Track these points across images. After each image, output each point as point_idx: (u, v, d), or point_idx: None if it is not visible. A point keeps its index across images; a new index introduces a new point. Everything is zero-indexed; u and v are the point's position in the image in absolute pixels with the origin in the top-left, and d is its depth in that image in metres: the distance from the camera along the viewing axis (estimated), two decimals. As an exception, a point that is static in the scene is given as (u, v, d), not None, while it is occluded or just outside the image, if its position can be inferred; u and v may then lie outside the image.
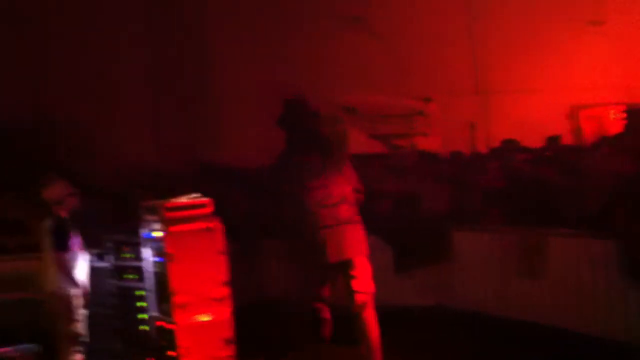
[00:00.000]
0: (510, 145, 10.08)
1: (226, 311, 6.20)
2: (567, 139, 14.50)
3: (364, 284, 5.78)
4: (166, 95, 12.19)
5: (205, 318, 6.09)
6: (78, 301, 5.93)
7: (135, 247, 6.34)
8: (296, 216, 5.72)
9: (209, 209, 6.22)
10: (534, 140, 11.12)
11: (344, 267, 5.76)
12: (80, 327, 5.95)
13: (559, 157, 8.56)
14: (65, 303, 5.86)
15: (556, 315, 6.79)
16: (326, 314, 5.80)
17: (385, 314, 7.32)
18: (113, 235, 6.60)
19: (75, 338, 5.88)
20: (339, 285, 5.86)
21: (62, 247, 5.89)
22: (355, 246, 5.73)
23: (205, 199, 6.25)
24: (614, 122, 15.03)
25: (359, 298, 5.76)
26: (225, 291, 6.22)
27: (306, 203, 5.67)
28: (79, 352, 5.91)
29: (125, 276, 6.51)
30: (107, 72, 11.75)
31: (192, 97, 12.32)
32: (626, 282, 6.07)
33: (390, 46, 13.39)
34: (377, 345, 5.76)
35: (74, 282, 5.89)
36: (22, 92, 11.12)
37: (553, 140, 10.21)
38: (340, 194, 5.67)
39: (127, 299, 6.48)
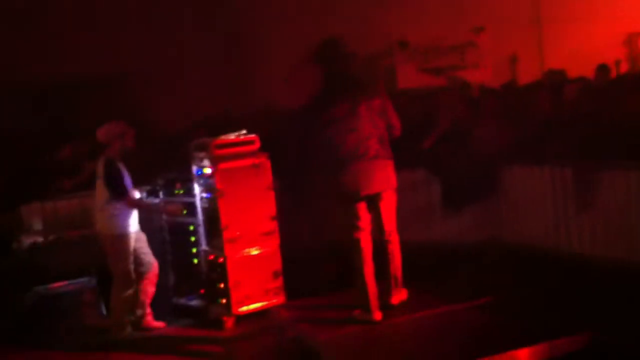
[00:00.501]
0: (555, 77, 9.73)
1: (274, 244, 6.38)
2: (624, 67, 14.16)
3: (390, 217, 6.04)
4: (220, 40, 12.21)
5: (254, 251, 6.28)
6: (132, 241, 6.11)
7: (186, 183, 6.50)
8: (328, 152, 5.89)
9: (256, 146, 6.34)
10: (589, 70, 10.87)
11: (374, 200, 5.95)
12: (133, 265, 6.13)
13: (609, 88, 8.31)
14: (116, 244, 6.04)
15: (608, 247, 6.76)
16: (366, 243, 5.94)
17: (439, 249, 7.54)
18: (166, 173, 6.74)
19: (126, 276, 6.08)
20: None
21: (119, 195, 6.00)
22: (384, 180, 5.91)
23: (252, 136, 6.36)
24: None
25: (387, 229, 6.01)
26: (273, 225, 6.37)
27: (335, 138, 5.82)
28: (130, 287, 6.12)
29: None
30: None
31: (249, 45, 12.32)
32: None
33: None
34: (400, 275, 6.08)
35: (128, 224, 6.06)
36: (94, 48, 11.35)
37: (603, 69, 9.84)
38: (369, 129, 5.82)
39: (178, 234, 6.67)
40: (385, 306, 5.97)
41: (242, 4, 12.29)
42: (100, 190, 6.07)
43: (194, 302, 6.63)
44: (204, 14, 12.05)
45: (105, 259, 6.11)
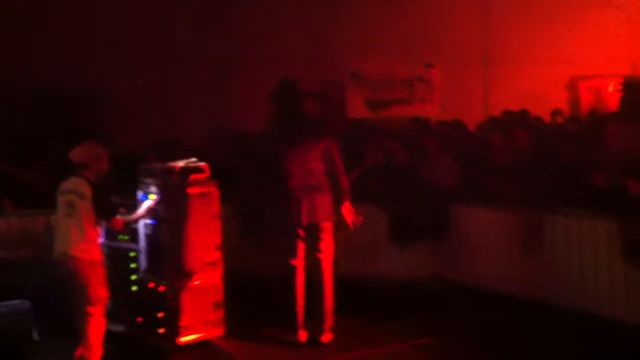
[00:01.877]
0: (509, 118, 9.92)
1: (217, 275, 6.25)
2: (565, 111, 14.54)
3: (328, 247, 6.38)
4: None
5: (196, 281, 6.14)
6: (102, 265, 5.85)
7: (131, 208, 6.32)
8: (277, 181, 6.35)
9: (205, 174, 6.23)
10: (534, 110, 11.11)
11: (314, 230, 6.33)
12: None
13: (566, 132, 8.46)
14: (98, 269, 5.76)
15: (555, 292, 6.85)
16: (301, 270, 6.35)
17: (385, 284, 7.54)
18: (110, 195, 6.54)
19: (105, 301, 5.80)
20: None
21: (110, 218, 5.78)
22: (325, 212, 6.33)
23: (202, 164, 6.26)
24: (612, 94, 15.02)
25: (324, 260, 6.34)
26: (218, 255, 6.26)
27: (285, 171, 6.29)
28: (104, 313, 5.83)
29: (119, 237, 6.49)
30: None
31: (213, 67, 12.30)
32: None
33: (400, 11, 13.26)
34: (331, 307, 6.33)
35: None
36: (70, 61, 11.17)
37: (556, 114, 10.08)
38: (314, 166, 6.27)
39: (119, 260, 6.48)
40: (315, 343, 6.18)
41: (206, 30, 12.31)
42: (82, 213, 5.68)
43: (132, 331, 6.44)
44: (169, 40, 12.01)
45: (66, 283, 5.72)
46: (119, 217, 5.86)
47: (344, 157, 6.46)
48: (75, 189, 5.70)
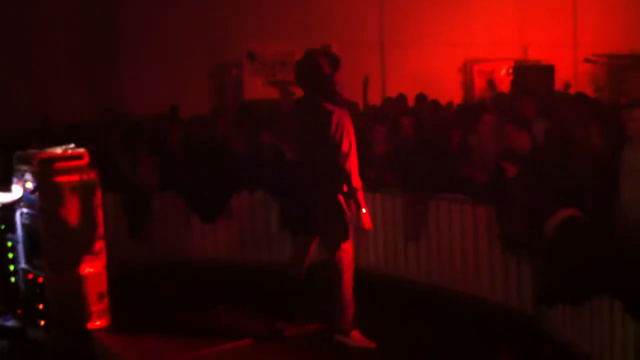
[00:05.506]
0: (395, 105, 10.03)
1: (100, 265, 6.08)
2: (458, 94, 14.90)
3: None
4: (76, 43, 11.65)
5: (78, 272, 5.96)
6: None
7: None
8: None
9: (85, 161, 6.03)
10: (430, 93, 11.27)
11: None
12: None
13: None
14: None
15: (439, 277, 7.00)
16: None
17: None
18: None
19: None
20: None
21: None
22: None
23: (81, 150, 6.05)
24: (505, 78, 15.48)
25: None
26: (100, 245, 6.09)
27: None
28: None
29: (-5, 227, 6.24)
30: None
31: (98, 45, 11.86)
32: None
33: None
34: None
35: None
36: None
37: (421, 99, 10.25)
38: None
39: (-4, 250, 6.25)
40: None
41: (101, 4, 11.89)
42: None
43: (10, 323, 6.22)
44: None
45: None
46: None
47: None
48: None
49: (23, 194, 5.92)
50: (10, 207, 6.02)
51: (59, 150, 5.96)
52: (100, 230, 6.06)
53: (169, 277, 7.64)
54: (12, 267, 6.18)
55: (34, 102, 10.71)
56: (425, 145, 7.18)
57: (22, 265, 6.09)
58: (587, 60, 16.24)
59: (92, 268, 6.03)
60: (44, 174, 5.80)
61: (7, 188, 6.02)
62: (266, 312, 5.93)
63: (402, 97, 10.81)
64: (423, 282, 7.05)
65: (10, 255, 6.16)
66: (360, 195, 5.54)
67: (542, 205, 5.66)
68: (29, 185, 5.85)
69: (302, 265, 5.72)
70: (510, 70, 15.22)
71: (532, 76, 14.55)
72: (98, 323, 6.05)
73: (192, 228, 8.32)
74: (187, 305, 6.69)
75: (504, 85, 15.24)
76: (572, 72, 15.83)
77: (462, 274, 6.74)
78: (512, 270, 6.25)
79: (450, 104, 11.36)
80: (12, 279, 6.19)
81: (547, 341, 5.69)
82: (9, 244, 6.14)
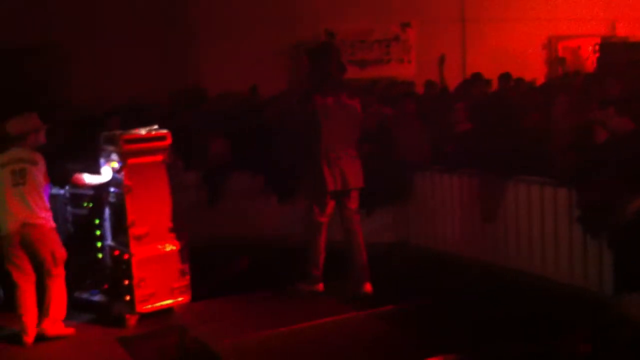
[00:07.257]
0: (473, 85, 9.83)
1: (182, 243, 6.28)
2: (542, 70, 14.51)
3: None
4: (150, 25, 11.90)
5: (160, 249, 6.17)
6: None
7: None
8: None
9: (167, 141, 6.21)
10: (512, 71, 11.02)
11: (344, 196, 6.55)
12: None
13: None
14: (56, 235, 5.92)
15: (512, 258, 6.92)
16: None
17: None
18: (73, 163, 6.53)
19: (62, 261, 5.93)
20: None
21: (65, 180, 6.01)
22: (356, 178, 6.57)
23: (164, 131, 6.23)
24: (591, 54, 14.97)
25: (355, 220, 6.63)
26: (182, 223, 6.28)
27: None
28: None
29: (84, 204, 6.49)
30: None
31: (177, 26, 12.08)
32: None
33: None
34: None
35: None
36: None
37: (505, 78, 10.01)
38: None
39: (83, 227, 6.50)
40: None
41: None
42: (35, 180, 5.76)
43: (97, 298, 6.49)
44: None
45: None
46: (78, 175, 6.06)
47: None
48: (25, 158, 5.76)
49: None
50: (99, 186, 6.26)
51: (143, 131, 6.15)
52: (182, 208, 6.26)
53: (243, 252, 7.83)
54: (99, 244, 6.43)
55: (111, 84, 10.95)
56: (505, 125, 7.06)
57: (109, 242, 6.33)
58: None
59: (175, 245, 6.24)
60: (129, 154, 6.01)
61: (90, 166, 6.28)
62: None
63: (478, 77, 10.56)
64: (499, 264, 6.97)
65: (98, 232, 6.41)
66: None
67: (623, 189, 5.50)
68: (115, 165, 6.07)
69: None
70: (597, 47, 14.71)
71: (619, 53, 14.03)
72: (180, 299, 6.28)
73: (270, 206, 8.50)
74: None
75: (590, 63, 14.77)
76: (663, 48, 15.17)
77: (540, 258, 6.64)
78: (593, 255, 6.11)
79: (533, 81, 11.09)
80: (100, 255, 6.44)
81: (627, 326, 5.57)
82: (97, 221, 6.38)
